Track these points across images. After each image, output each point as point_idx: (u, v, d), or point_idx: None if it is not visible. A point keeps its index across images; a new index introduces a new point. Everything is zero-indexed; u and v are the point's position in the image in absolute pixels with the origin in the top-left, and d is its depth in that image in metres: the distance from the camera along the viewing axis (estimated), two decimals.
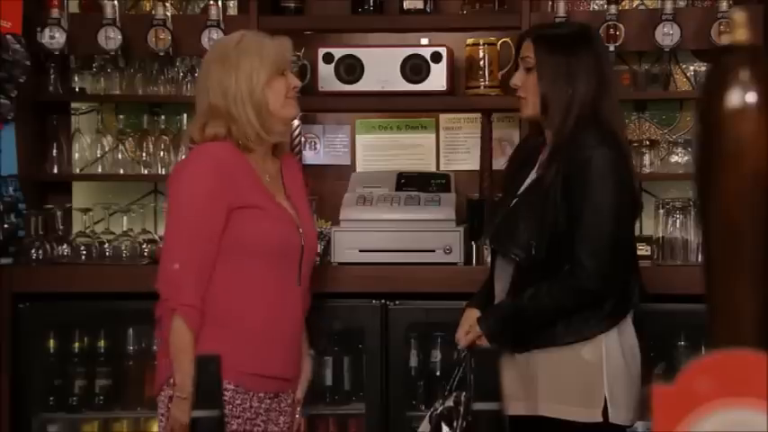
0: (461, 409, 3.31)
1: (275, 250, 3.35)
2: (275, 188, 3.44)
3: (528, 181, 3.34)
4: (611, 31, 4.37)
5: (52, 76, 4.58)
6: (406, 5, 4.56)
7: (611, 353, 3.25)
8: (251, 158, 3.38)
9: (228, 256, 3.32)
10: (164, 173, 4.50)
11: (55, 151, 4.64)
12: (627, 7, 4.70)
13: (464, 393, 3.33)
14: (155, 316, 3.36)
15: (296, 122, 4.70)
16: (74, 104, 4.79)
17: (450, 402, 3.36)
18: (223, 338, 3.27)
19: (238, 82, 3.33)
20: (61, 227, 4.53)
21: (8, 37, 4.31)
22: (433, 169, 4.71)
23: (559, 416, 3.24)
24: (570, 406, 3.23)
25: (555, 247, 3.22)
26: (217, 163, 3.34)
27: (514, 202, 3.33)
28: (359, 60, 4.43)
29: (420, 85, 4.41)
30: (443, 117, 4.76)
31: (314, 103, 4.57)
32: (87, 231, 4.54)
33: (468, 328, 3.39)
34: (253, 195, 3.34)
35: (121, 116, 4.84)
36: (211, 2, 4.49)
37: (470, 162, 4.67)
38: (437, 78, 4.41)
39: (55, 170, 4.64)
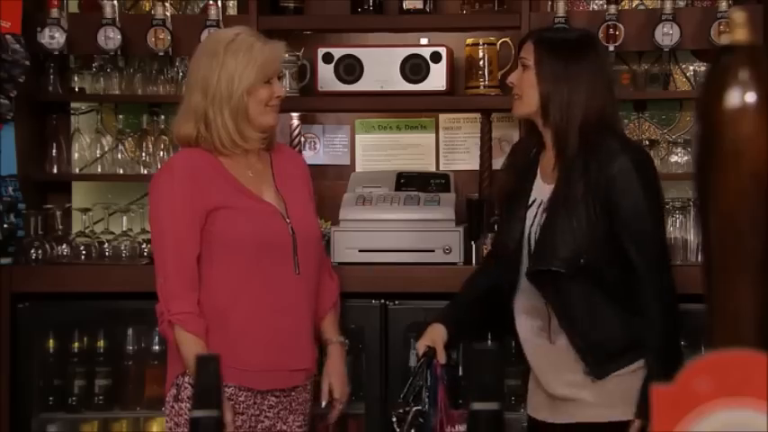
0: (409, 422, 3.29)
1: (254, 244, 3.36)
2: (261, 183, 3.45)
3: (543, 190, 3.31)
4: (611, 31, 4.37)
5: (52, 76, 4.58)
6: (405, 5, 4.56)
7: None
8: (226, 159, 3.40)
9: (210, 259, 3.35)
10: None
11: (54, 151, 4.64)
12: (626, 7, 4.70)
13: (416, 407, 3.31)
14: (159, 330, 3.43)
15: (295, 122, 4.70)
16: (73, 104, 4.79)
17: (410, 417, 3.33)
18: (216, 340, 3.30)
19: (220, 82, 3.35)
20: (61, 227, 4.53)
21: (8, 37, 4.31)
22: (433, 169, 4.71)
23: (606, 419, 3.24)
24: (615, 408, 3.23)
25: (595, 253, 3.22)
26: (183, 173, 3.38)
27: (536, 214, 3.30)
28: (358, 60, 4.43)
29: (419, 84, 4.41)
30: (443, 117, 4.76)
31: (313, 103, 4.57)
32: (87, 231, 4.54)
33: (431, 342, 3.38)
34: (225, 196, 3.36)
35: (121, 116, 4.85)
36: (211, 2, 4.49)
37: (470, 162, 4.67)
38: (437, 78, 4.41)
39: (54, 170, 4.64)
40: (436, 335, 3.41)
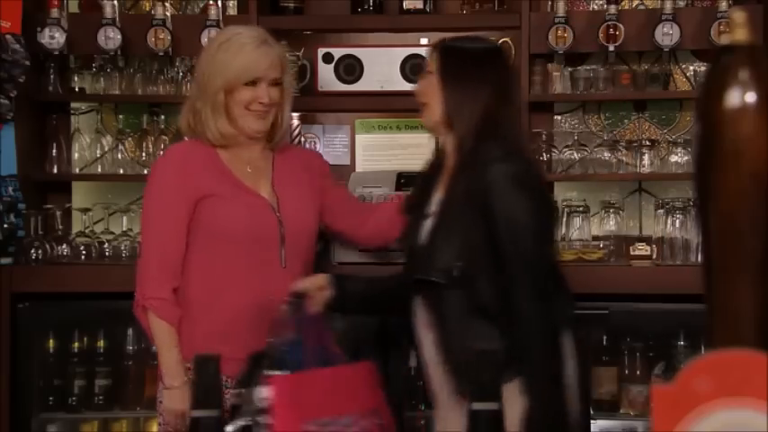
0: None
1: (239, 232, 3.38)
2: (258, 179, 3.46)
3: (436, 200, 3.25)
4: (611, 30, 4.38)
5: (52, 76, 4.58)
6: (405, 5, 4.56)
7: None
8: (225, 151, 3.43)
9: (197, 247, 3.38)
10: None
11: (54, 151, 4.64)
12: (627, 7, 4.70)
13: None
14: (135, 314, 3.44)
15: (295, 122, 4.70)
16: (73, 104, 4.79)
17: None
18: (200, 328, 3.32)
19: (205, 76, 3.41)
20: (61, 227, 4.53)
21: (8, 37, 4.31)
22: None
23: None
24: None
25: (473, 263, 3.12)
26: (177, 162, 3.43)
27: (429, 225, 3.23)
28: (358, 60, 4.43)
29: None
30: None
31: (313, 103, 4.57)
32: (87, 231, 4.54)
33: (309, 284, 3.29)
34: (215, 185, 3.39)
35: (121, 116, 4.85)
36: (211, 2, 4.49)
37: None
38: None
39: (54, 170, 4.64)
40: (313, 281, 3.32)
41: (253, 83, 3.39)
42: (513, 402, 2.98)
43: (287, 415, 2.91)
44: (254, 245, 3.39)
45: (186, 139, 3.54)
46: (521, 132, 3.31)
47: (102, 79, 4.65)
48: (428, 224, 3.24)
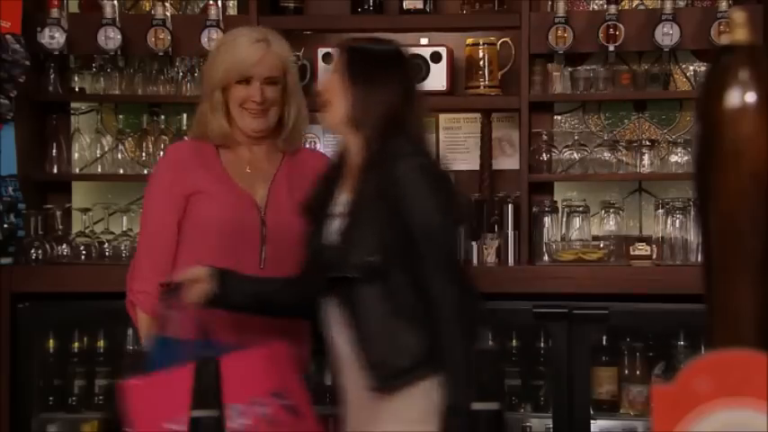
0: None
1: (220, 230, 3.37)
2: (254, 179, 3.45)
3: (342, 201, 3.23)
4: (611, 30, 4.38)
5: (52, 76, 4.59)
6: (405, 5, 4.56)
7: None
8: (227, 151, 3.44)
9: (186, 243, 3.39)
10: None
11: (54, 151, 4.64)
12: (627, 7, 4.70)
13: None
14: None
15: None
16: (73, 104, 4.79)
17: None
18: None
19: (206, 76, 3.45)
20: (61, 227, 4.54)
21: (8, 37, 4.32)
22: None
23: None
24: (414, 425, 3.05)
25: (388, 258, 3.10)
26: (171, 160, 3.46)
27: (336, 225, 3.20)
28: None
29: (419, 84, 4.40)
30: (443, 117, 4.76)
31: (313, 103, 4.56)
32: (87, 231, 4.54)
33: (183, 276, 3.22)
34: (205, 182, 3.39)
35: (121, 116, 4.85)
36: (211, 2, 4.50)
37: (470, 162, 4.67)
38: (437, 78, 4.41)
39: (54, 170, 4.64)
40: (190, 272, 3.26)
41: (247, 81, 3.39)
42: (424, 398, 3.01)
43: (142, 420, 2.92)
44: (235, 243, 3.39)
45: (187, 138, 3.56)
46: (424, 132, 3.32)
47: (102, 79, 4.65)
48: (335, 224, 3.22)
